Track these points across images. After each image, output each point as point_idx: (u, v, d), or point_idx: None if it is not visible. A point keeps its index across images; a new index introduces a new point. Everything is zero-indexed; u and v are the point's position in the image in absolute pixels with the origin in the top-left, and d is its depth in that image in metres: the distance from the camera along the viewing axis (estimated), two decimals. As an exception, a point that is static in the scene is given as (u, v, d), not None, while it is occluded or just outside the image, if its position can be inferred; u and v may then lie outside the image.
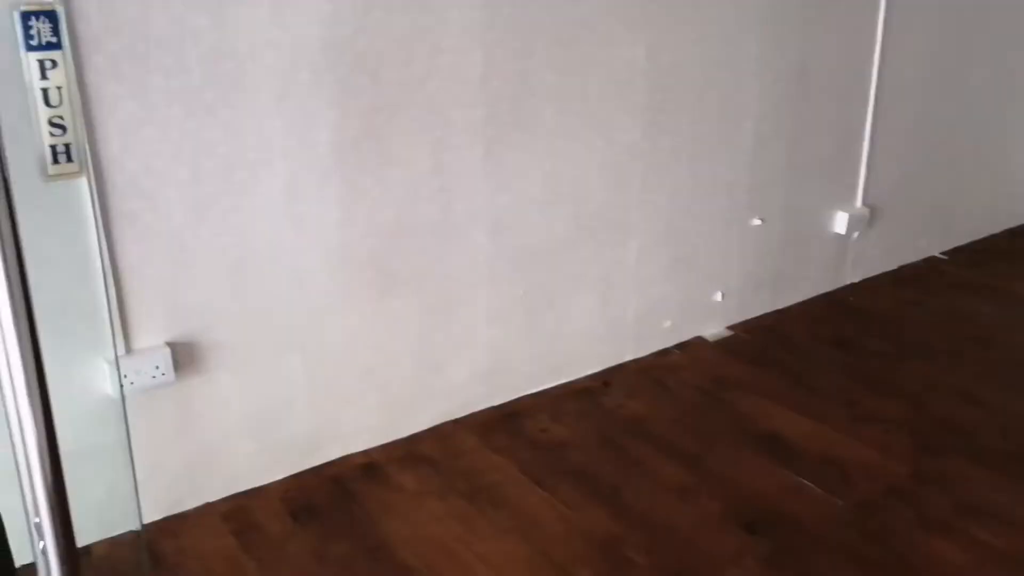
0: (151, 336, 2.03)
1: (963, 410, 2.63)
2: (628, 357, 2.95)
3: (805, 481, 2.30)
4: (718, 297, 3.11)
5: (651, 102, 2.68)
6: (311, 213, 2.16)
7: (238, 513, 2.19)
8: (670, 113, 2.74)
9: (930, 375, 2.84)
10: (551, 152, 2.53)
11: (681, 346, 3.04)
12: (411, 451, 2.44)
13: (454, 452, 2.44)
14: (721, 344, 3.06)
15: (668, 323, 3.01)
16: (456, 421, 2.57)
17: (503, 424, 2.57)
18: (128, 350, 1.99)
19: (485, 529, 2.13)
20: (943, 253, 3.85)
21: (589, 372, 2.85)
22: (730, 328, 3.16)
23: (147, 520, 2.13)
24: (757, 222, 3.11)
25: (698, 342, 3.07)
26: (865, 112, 3.29)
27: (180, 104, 1.91)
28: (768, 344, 3.05)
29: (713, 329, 3.14)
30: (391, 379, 2.45)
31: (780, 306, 3.31)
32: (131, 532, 2.10)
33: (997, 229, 4.10)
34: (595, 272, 2.76)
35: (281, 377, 2.25)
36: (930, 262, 3.76)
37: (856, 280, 3.54)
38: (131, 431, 1.99)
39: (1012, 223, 4.17)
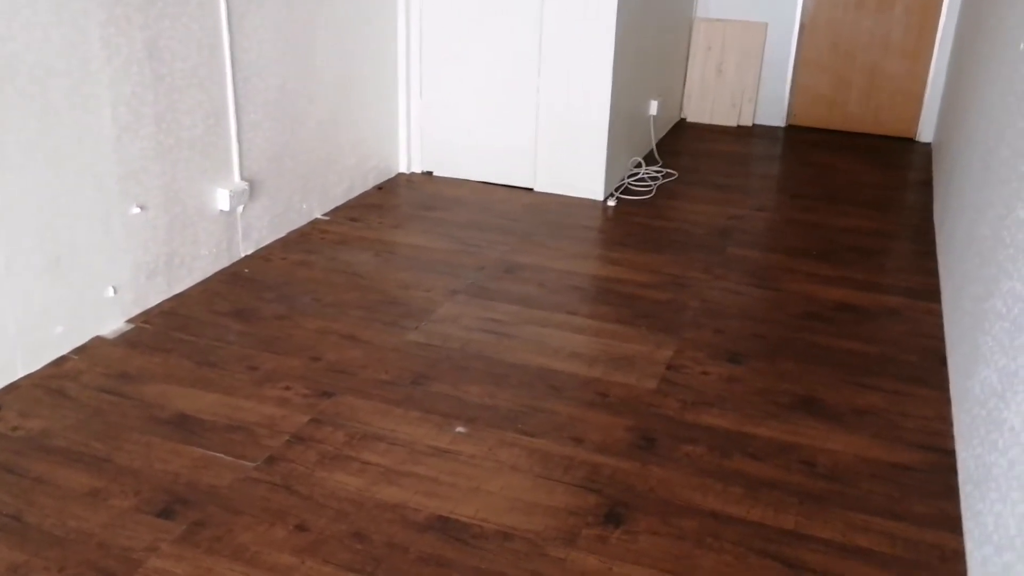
0: None
1: (350, 352, 2.95)
2: (20, 374, 2.74)
3: (215, 453, 2.39)
4: (110, 292, 3.03)
5: (-16, 99, 2.48)
6: None
7: None
8: (10, 107, 2.56)
9: (321, 327, 3.12)
10: None
11: (79, 350, 2.90)
12: None
13: None
14: (122, 339, 2.99)
15: (60, 329, 2.86)
16: None
17: None
18: None
19: None
20: (325, 214, 4.20)
21: (-26, 400, 2.60)
22: (130, 321, 3.10)
23: None
24: (137, 210, 3.07)
25: (97, 342, 2.96)
26: (226, 91, 3.42)
27: None
28: (170, 329, 3.06)
29: (112, 325, 3.05)
30: None
31: (178, 290, 3.33)
32: None
33: (368, 186, 4.59)
34: (-45, 290, 2.50)
35: None
36: (314, 224, 4.08)
37: (249, 252, 3.70)
38: None
39: (379, 179, 4.70)
